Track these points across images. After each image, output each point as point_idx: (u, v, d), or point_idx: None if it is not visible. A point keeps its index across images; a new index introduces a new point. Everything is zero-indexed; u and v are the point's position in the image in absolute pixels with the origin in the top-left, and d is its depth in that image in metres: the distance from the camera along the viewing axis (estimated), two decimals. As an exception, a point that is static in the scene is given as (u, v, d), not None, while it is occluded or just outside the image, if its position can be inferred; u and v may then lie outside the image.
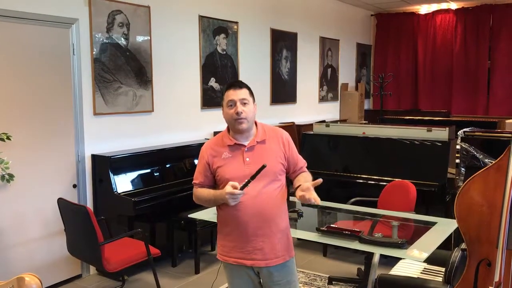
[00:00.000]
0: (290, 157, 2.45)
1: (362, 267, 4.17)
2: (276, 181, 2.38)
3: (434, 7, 9.04)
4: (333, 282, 4.12)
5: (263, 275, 2.42)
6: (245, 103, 2.34)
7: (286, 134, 2.49)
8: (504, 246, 2.18)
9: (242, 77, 6.07)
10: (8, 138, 3.52)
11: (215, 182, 2.44)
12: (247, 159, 2.35)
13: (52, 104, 4.01)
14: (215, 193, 2.35)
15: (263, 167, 2.21)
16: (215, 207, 2.52)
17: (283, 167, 2.42)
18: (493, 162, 2.32)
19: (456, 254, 2.57)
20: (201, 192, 2.44)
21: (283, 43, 6.89)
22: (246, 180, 2.21)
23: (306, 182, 2.34)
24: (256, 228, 2.33)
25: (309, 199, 2.22)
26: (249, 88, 2.40)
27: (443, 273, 2.73)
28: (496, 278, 2.18)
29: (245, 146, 2.37)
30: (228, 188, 2.22)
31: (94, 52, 4.28)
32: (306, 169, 2.54)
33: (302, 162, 2.53)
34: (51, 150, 4.03)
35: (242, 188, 2.21)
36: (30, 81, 3.85)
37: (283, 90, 6.97)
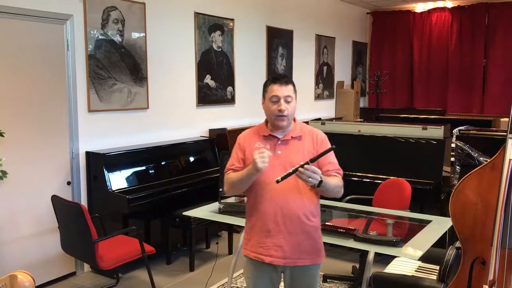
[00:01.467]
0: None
1: (357, 265, 4.17)
2: None
3: (430, 5, 9.05)
4: (328, 280, 4.12)
5: (286, 276, 2.34)
6: (289, 101, 2.30)
7: (322, 135, 2.42)
8: (498, 245, 2.18)
9: (237, 74, 6.06)
10: (1, 134, 3.50)
11: None
12: (279, 152, 2.31)
13: (46, 100, 3.98)
14: (247, 167, 2.25)
15: (331, 149, 2.18)
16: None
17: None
18: (488, 160, 2.32)
19: (450, 253, 2.58)
20: (232, 175, 2.34)
21: (279, 41, 6.88)
22: (303, 162, 2.11)
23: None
24: (278, 223, 2.26)
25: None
26: (294, 85, 2.36)
27: (437, 271, 2.74)
28: (491, 277, 2.18)
29: (279, 138, 2.34)
30: (255, 152, 2.14)
31: (88, 49, 4.26)
32: (335, 174, 2.35)
33: (331, 166, 2.35)
34: (45, 147, 4.01)
35: (295, 170, 2.10)
36: (24, 78, 3.82)
37: (278, 88, 6.94)
